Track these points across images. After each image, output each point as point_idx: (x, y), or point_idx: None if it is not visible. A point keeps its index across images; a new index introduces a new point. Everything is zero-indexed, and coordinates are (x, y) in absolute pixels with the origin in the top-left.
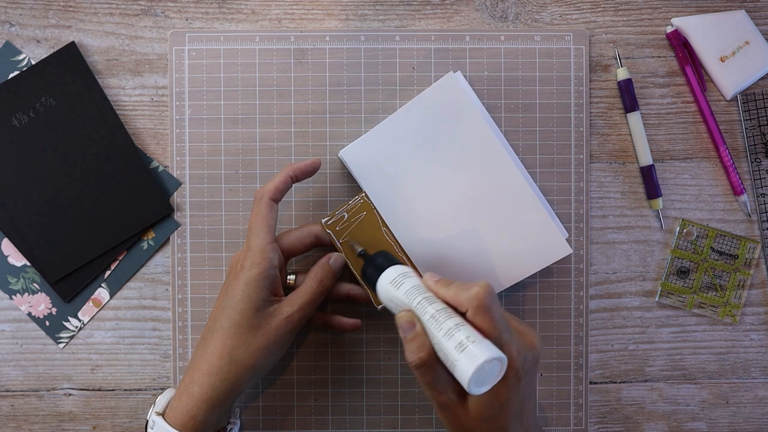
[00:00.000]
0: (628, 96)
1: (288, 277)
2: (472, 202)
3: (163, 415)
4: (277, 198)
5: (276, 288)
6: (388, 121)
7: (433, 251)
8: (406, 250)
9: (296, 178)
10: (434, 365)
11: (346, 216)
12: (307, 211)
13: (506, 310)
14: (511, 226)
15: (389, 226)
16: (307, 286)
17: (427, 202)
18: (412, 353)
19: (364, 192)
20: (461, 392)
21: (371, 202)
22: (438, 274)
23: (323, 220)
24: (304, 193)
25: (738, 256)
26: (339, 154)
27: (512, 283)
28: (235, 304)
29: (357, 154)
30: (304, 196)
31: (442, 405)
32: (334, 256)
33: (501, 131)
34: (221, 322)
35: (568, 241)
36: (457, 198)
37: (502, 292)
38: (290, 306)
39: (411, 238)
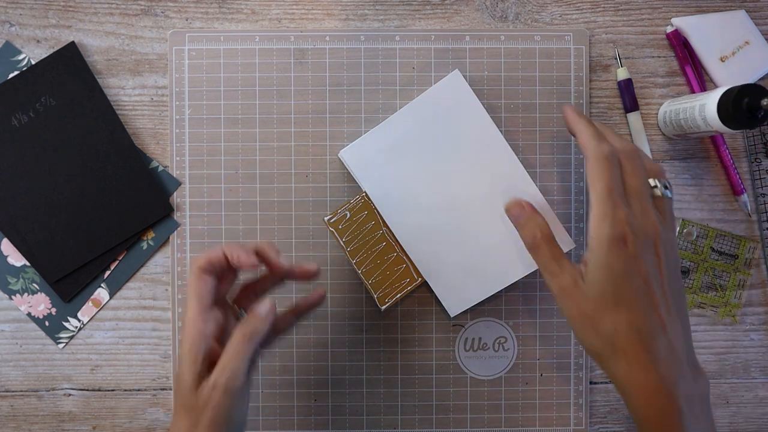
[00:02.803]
0: (628, 96)
1: (241, 312)
2: (475, 198)
3: None
4: (206, 269)
5: (214, 356)
6: (388, 121)
7: (435, 251)
8: (406, 251)
9: (231, 260)
10: (550, 242)
11: (348, 215)
12: (307, 211)
13: (507, 309)
14: (509, 226)
15: (390, 225)
16: (231, 345)
17: (428, 201)
18: (529, 234)
19: (365, 192)
20: (575, 277)
21: (371, 202)
22: (439, 274)
23: (326, 218)
24: (304, 192)
25: (738, 256)
26: (339, 155)
27: (516, 279)
28: (176, 385)
29: (357, 155)
30: (304, 196)
31: (561, 289)
32: (261, 304)
33: (501, 131)
34: (174, 403)
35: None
36: (458, 196)
37: (501, 291)
38: (218, 372)
39: (412, 237)
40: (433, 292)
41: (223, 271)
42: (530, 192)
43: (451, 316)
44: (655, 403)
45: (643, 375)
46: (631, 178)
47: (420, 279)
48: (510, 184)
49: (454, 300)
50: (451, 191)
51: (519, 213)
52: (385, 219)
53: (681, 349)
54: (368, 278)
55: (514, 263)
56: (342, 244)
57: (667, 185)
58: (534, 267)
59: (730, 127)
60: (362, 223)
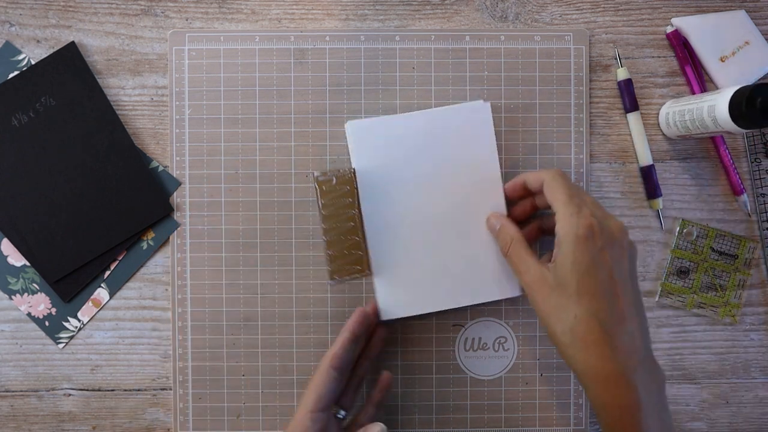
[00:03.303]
0: (628, 96)
1: (339, 413)
2: (449, 219)
3: None
4: (335, 365)
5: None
6: (404, 115)
7: (393, 252)
8: (367, 240)
9: (356, 337)
10: (518, 246)
11: (334, 181)
12: (307, 211)
13: (507, 309)
14: (476, 255)
15: (362, 210)
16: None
17: (405, 204)
18: (502, 240)
19: (353, 168)
20: (541, 273)
21: (355, 181)
22: (388, 274)
23: (316, 174)
24: (304, 192)
25: (738, 256)
26: (345, 124)
27: (460, 306)
28: None
29: (362, 130)
30: (304, 196)
31: (528, 285)
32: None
33: (501, 129)
34: None
35: None
36: (435, 211)
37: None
38: None
39: (377, 230)
40: None
41: (348, 364)
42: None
43: (381, 318)
44: (613, 391)
45: (601, 363)
46: (585, 196)
47: (368, 272)
48: (483, 214)
49: (390, 304)
50: (431, 204)
51: (495, 223)
52: (360, 202)
53: (639, 340)
54: (329, 248)
55: (463, 289)
56: (320, 204)
57: None
58: (481, 300)
59: (742, 127)
60: (342, 196)
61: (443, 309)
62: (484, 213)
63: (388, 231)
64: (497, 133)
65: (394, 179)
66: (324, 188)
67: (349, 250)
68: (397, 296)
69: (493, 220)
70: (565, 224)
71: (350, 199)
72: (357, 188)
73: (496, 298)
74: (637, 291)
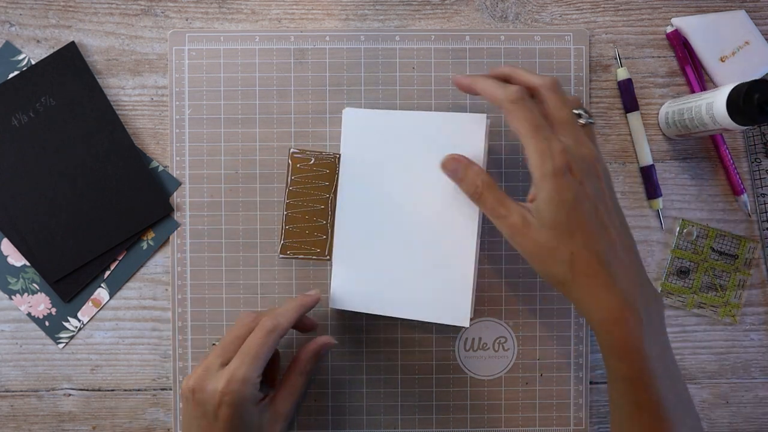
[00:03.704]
0: (628, 96)
1: None
2: (422, 229)
3: None
4: (283, 334)
5: (257, 398)
6: (404, 113)
7: (359, 245)
8: (336, 227)
9: (309, 307)
10: (492, 188)
11: (313, 160)
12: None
13: (507, 309)
14: (439, 272)
15: (338, 197)
16: (296, 382)
17: (383, 200)
18: (470, 184)
19: (339, 154)
20: (524, 215)
21: (338, 167)
22: (346, 266)
23: (291, 149)
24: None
25: (738, 256)
26: (343, 111)
27: (409, 318)
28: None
29: (357, 119)
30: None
31: (512, 228)
32: (321, 344)
33: (501, 131)
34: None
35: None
36: (411, 216)
37: (501, 291)
38: (283, 404)
39: (348, 220)
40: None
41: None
42: (468, 252)
43: (328, 306)
44: (618, 317)
45: (605, 293)
46: (558, 111)
47: (328, 258)
48: (458, 238)
49: (343, 293)
50: (408, 208)
51: (455, 166)
52: (338, 189)
53: (634, 262)
54: (288, 223)
55: (417, 303)
56: (289, 180)
57: (588, 112)
58: (426, 317)
59: (740, 123)
60: (318, 178)
61: (392, 316)
62: (455, 231)
63: (357, 223)
64: (498, 134)
65: (377, 174)
66: (298, 165)
67: (312, 231)
68: (351, 289)
69: (452, 163)
70: (540, 163)
71: (327, 183)
72: (338, 175)
73: (445, 323)
74: (620, 216)
